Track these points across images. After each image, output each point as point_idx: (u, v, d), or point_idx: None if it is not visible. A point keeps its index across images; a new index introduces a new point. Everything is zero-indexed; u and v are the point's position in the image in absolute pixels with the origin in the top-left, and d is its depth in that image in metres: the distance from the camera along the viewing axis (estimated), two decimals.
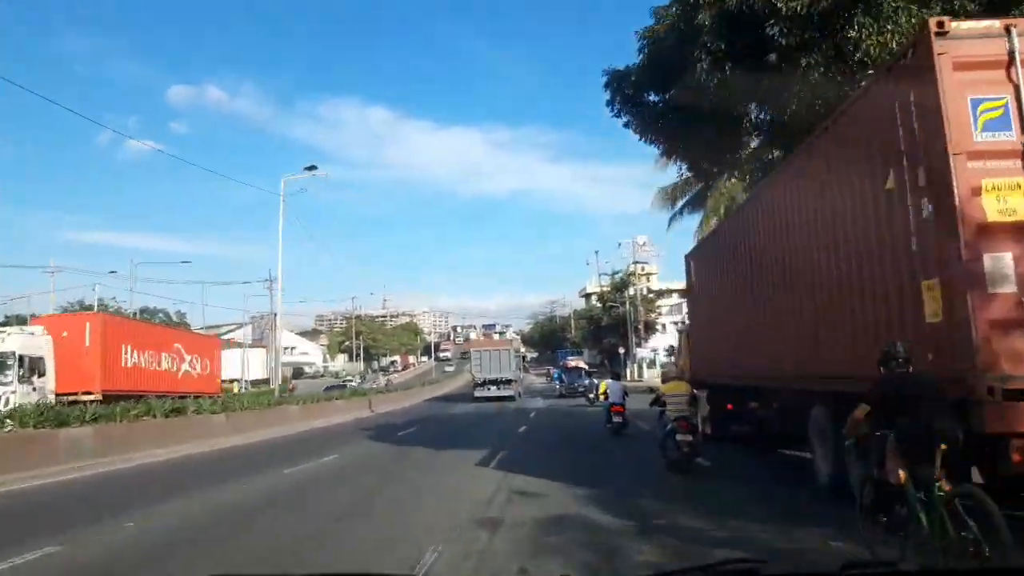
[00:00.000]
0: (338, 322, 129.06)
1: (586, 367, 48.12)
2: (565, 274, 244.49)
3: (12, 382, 21.97)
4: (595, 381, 34.46)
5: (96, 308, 58.52)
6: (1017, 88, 5.77)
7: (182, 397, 23.02)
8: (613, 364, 62.97)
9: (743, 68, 11.53)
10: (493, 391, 38.96)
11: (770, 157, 14.57)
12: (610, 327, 67.25)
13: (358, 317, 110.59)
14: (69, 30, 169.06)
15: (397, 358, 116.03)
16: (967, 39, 5.90)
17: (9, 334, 23.61)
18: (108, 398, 22.00)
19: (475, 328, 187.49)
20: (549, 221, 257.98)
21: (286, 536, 7.23)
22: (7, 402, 19.59)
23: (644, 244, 62.70)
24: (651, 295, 68.31)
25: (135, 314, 60.69)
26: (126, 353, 27.37)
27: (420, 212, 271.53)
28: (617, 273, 68.01)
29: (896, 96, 6.44)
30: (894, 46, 9.56)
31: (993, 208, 5.62)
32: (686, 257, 16.75)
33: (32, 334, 24.36)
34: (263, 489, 10.71)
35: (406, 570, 5.53)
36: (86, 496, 10.59)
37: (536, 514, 7.83)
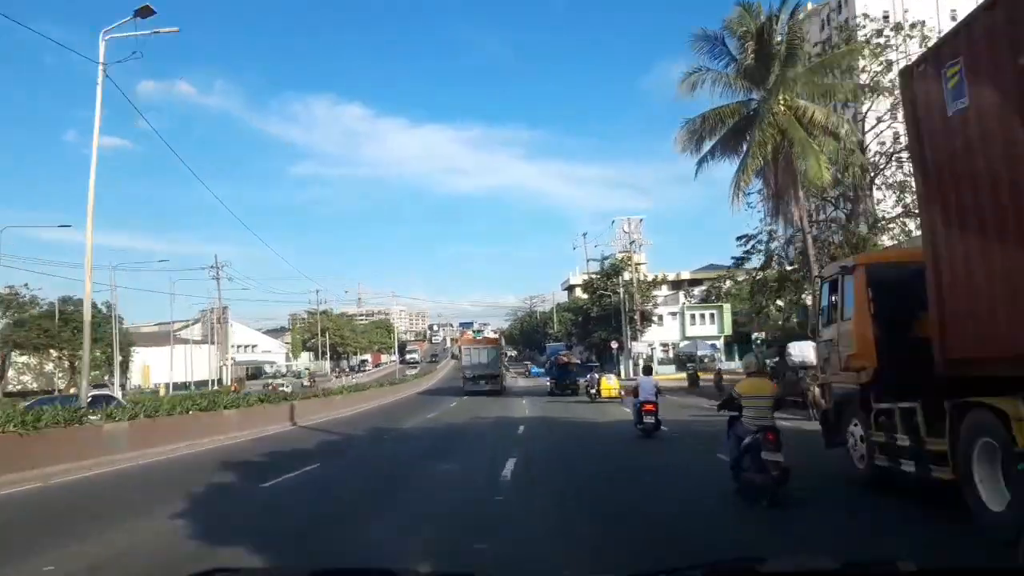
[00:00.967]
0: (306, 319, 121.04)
1: (578, 362, 44.99)
2: (543, 273, 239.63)
3: None
4: (596, 376, 32.94)
5: None
6: None
7: None
8: (604, 361, 55.91)
9: None
10: (481, 385, 41.23)
11: None
12: (600, 319, 60.17)
13: (324, 313, 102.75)
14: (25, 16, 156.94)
15: (368, 357, 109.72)
16: None
17: None
18: None
19: (451, 327, 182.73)
20: (527, 220, 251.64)
21: None
22: None
23: (641, 222, 55.58)
24: (646, 283, 60.97)
25: (53, 304, 52.59)
26: None
27: (396, 210, 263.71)
28: (607, 259, 60.93)
29: None
30: None
31: None
32: (910, 69, 7.63)
33: None
34: None
35: None
36: None
37: None
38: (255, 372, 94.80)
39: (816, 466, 10.00)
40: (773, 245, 30.78)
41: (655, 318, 58.78)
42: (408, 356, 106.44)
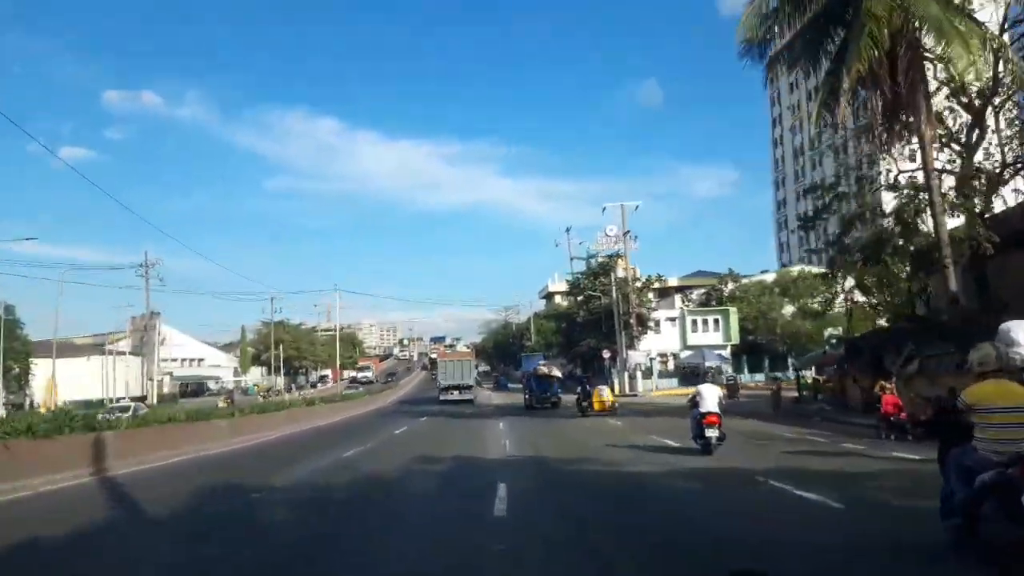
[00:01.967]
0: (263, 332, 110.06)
1: (559, 375, 39.23)
2: (518, 290, 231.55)
3: None
4: (589, 388, 29.96)
5: None
6: None
7: None
8: (594, 371, 47.40)
9: None
10: (455, 395, 43.55)
11: None
12: (588, 325, 51.63)
13: (280, 323, 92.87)
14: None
15: (328, 372, 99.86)
16: None
17: None
18: None
19: (422, 340, 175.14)
20: (504, 235, 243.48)
21: None
22: None
23: (636, 208, 47.22)
24: (642, 283, 52.31)
25: None
26: None
27: (368, 224, 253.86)
28: (592, 256, 52.28)
29: None
30: None
31: None
32: None
33: None
34: None
35: None
36: None
37: None
38: (196, 388, 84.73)
39: None
40: (866, 197, 22.01)
41: (652, 323, 50.33)
42: (360, 375, 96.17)
